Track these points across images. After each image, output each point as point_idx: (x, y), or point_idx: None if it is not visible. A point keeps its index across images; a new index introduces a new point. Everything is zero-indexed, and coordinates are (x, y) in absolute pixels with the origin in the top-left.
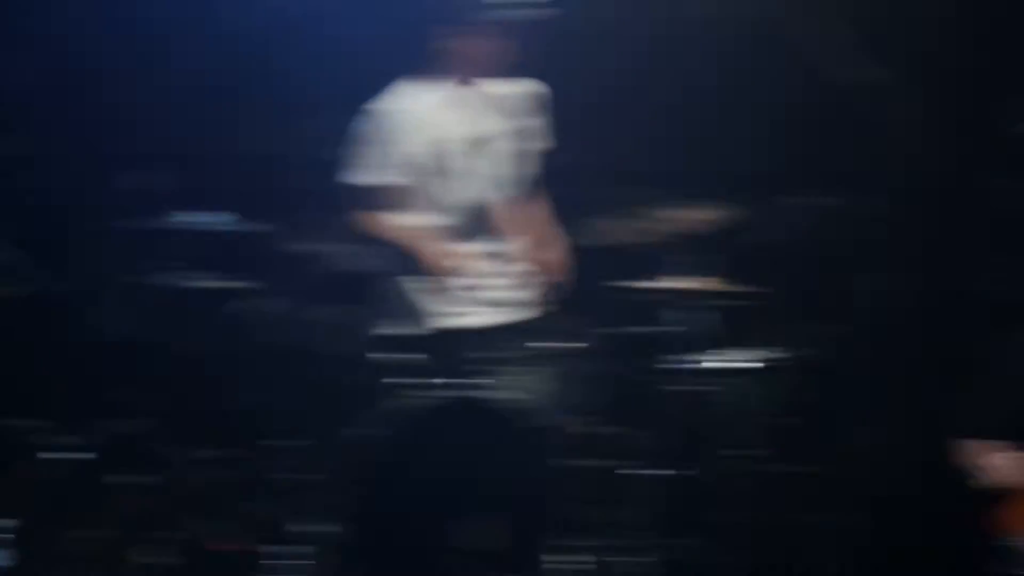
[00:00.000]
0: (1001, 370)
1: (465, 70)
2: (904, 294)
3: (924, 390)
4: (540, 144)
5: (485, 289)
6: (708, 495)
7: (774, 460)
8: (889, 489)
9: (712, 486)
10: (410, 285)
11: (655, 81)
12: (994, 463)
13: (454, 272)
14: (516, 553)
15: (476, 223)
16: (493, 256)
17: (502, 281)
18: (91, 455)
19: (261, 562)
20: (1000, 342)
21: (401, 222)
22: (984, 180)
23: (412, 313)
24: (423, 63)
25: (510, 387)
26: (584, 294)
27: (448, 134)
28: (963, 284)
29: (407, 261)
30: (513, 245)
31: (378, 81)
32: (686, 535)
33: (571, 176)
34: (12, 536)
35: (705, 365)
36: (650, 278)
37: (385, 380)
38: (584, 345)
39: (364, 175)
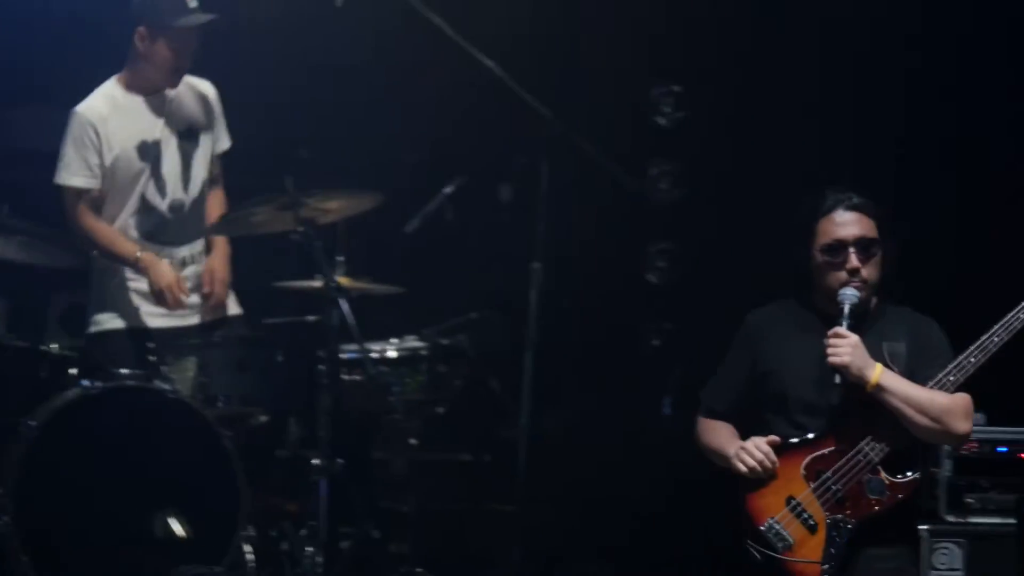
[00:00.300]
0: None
1: (153, 72)
2: (558, 282)
3: (585, 377)
4: (221, 143)
5: (175, 288)
6: (369, 483)
7: (433, 448)
8: (559, 474)
9: (373, 474)
10: (104, 283)
11: (311, 77)
12: (725, 449)
13: (150, 273)
14: (197, 542)
15: (168, 223)
16: (185, 256)
17: (192, 281)
18: None
19: None
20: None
21: (99, 221)
22: (636, 169)
23: (104, 309)
24: (121, 65)
25: (183, 380)
26: (245, 286)
27: (139, 137)
28: (618, 271)
29: (102, 259)
30: (200, 245)
31: (78, 81)
32: (354, 523)
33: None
34: None
35: (360, 355)
36: (305, 270)
37: (65, 371)
38: (248, 337)
39: (64, 175)
